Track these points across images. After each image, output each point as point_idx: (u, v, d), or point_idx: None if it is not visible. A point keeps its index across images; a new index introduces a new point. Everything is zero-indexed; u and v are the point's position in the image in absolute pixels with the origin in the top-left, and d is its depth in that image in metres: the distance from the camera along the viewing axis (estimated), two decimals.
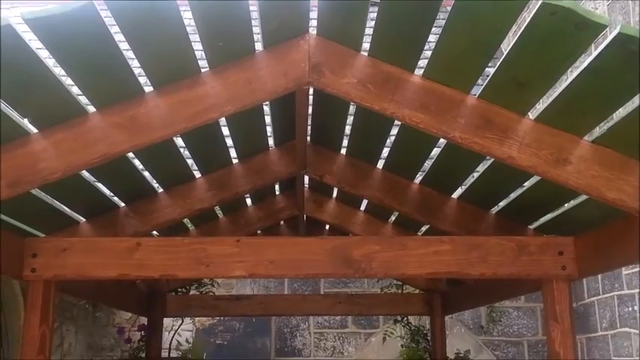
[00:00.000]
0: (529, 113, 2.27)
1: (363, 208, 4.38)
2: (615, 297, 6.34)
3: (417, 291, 5.41)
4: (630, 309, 6.10)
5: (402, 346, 5.29)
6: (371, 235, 4.22)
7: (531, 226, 3.26)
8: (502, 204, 3.29)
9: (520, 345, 7.45)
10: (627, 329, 6.13)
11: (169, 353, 5.21)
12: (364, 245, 2.72)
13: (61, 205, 3.03)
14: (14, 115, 2.16)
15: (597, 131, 2.22)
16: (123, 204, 3.32)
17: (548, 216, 3.12)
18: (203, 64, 2.28)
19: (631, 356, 6.04)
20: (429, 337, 5.23)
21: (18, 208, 2.72)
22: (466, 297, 4.80)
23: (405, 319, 5.40)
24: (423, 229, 4.22)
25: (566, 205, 2.95)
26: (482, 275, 2.70)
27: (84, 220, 3.22)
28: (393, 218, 4.35)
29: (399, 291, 5.39)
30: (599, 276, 6.48)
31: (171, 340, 5.17)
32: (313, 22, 2.25)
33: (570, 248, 2.67)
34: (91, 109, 2.28)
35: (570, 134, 2.19)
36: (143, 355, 5.05)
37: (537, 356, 7.37)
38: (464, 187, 3.36)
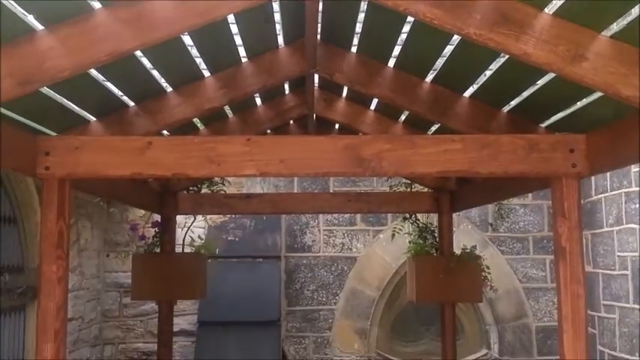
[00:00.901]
0: (546, 9, 2.20)
1: (373, 107, 4.35)
2: (623, 194, 6.39)
3: (426, 189, 5.47)
4: (637, 206, 6.16)
5: (409, 242, 5.40)
6: (381, 134, 4.22)
7: (543, 125, 3.24)
8: (514, 102, 3.26)
9: (525, 241, 7.60)
10: (633, 225, 6.22)
11: (183, 249, 5.35)
12: (375, 144, 2.72)
13: (71, 104, 3.02)
14: (18, 10, 2.12)
15: (615, 27, 2.17)
16: (132, 103, 3.31)
17: (560, 114, 3.10)
18: None
19: (635, 251, 6.16)
20: (436, 234, 5.33)
21: (28, 106, 2.72)
22: (474, 195, 4.85)
23: (413, 216, 5.49)
24: (434, 128, 4.20)
25: (578, 103, 2.92)
26: (493, 173, 2.71)
27: (94, 119, 3.23)
28: (403, 117, 4.33)
29: (408, 189, 5.44)
30: (608, 173, 6.50)
31: (185, 236, 5.29)
32: None
33: (581, 146, 2.66)
34: (97, 4, 2.23)
35: (588, 30, 2.14)
36: (158, 250, 5.19)
37: (542, 251, 7.54)
38: (476, 86, 3.32)
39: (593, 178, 6.86)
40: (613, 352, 6.63)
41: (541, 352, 7.45)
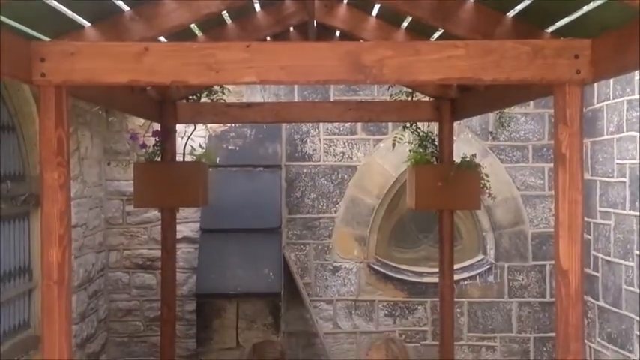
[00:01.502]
0: None
1: (374, 13, 4.25)
2: (625, 102, 6.35)
3: (427, 98, 5.42)
4: (638, 113, 6.14)
5: (410, 151, 5.41)
6: (383, 41, 4.14)
7: (548, 30, 3.18)
8: (519, 7, 3.17)
9: (525, 149, 7.62)
10: (633, 133, 6.22)
11: (184, 158, 5.36)
12: (376, 50, 2.67)
13: (65, 9, 2.95)
14: None
15: None
16: (127, 8, 3.22)
17: (566, 19, 3.03)
18: None
19: (634, 159, 6.19)
20: (436, 143, 5.33)
21: (20, 11, 2.65)
22: (475, 103, 4.82)
23: (414, 125, 5.47)
24: (437, 35, 4.12)
25: (585, 7, 2.85)
26: (496, 80, 2.68)
27: (89, 24, 3.15)
28: (405, 24, 4.23)
29: (409, 98, 5.40)
30: (611, 81, 6.44)
31: (185, 145, 5.30)
32: None
33: (586, 52, 2.61)
34: None
35: None
36: (158, 159, 5.21)
37: (541, 160, 7.57)
38: None
39: (595, 85, 6.80)
40: (607, 257, 6.79)
41: (536, 257, 7.62)
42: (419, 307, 7.64)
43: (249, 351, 4.07)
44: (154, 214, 7.17)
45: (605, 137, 6.76)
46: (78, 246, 6.38)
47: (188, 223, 7.41)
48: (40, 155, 2.64)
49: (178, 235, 5.79)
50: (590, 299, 7.02)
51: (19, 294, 5.65)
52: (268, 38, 4.59)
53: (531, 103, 7.33)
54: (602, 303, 6.91)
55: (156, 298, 7.13)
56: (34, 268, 5.82)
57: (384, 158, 7.55)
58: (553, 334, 7.23)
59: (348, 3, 4.20)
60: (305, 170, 7.68)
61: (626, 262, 6.41)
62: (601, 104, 6.81)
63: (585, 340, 6.93)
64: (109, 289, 7.52)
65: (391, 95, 5.48)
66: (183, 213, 7.02)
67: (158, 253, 5.97)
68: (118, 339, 7.55)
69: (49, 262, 2.63)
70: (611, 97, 6.61)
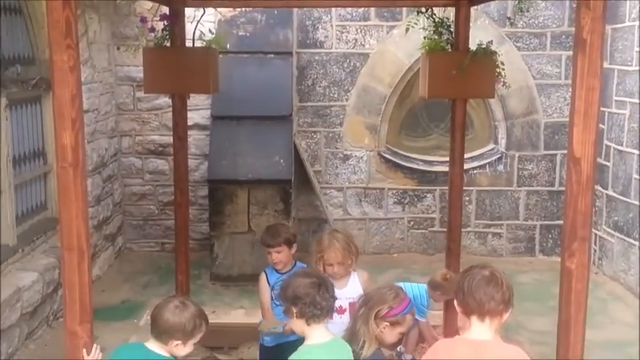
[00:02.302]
0: None
1: None
2: None
3: None
4: None
5: (424, 38, 5.26)
6: None
7: None
8: None
9: (543, 36, 7.42)
10: None
11: (193, 43, 5.26)
12: None
13: None
14: None
15: None
16: None
17: None
18: None
19: None
20: (452, 29, 5.18)
21: None
22: None
23: (429, 10, 5.29)
24: None
25: None
26: None
27: None
28: None
29: None
30: None
31: (194, 30, 5.17)
32: None
33: None
34: None
35: None
36: (167, 44, 5.11)
37: (559, 47, 7.39)
38: None
39: None
40: (619, 147, 6.77)
41: (547, 146, 7.60)
42: (428, 195, 7.73)
43: (262, 233, 4.15)
44: (165, 100, 7.15)
45: (627, 24, 6.55)
46: (90, 131, 6.42)
47: (199, 110, 7.40)
48: (49, 37, 2.59)
49: (189, 122, 5.76)
50: (600, 188, 7.06)
51: (34, 177, 5.76)
52: None
53: None
54: (610, 192, 6.96)
55: (169, 183, 7.26)
56: (49, 151, 5.90)
57: (397, 45, 7.39)
58: (559, 222, 7.37)
59: None
60: (316, 57, 7.55)
61: (639, 152, 6.39)
62: None
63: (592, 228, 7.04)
64: (122, 174, 7.63)
65: None
66: (194, 100, 6.99)
67: (170, 139, 5.99)
68: (133, 222, 7.76)
69: (62, 145, 2.64)
70: None
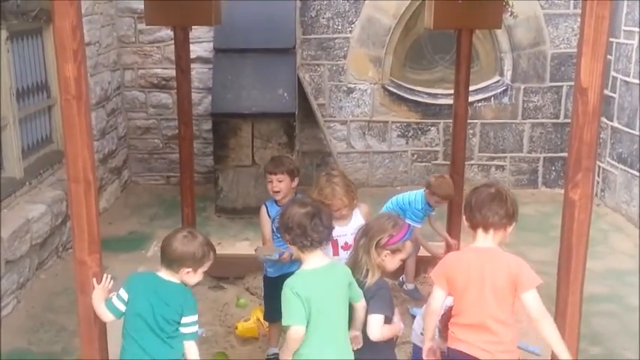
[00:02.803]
0: None
1: None
2: None
3: None
4: None
5: None
6: None
7: None
8: None
9: None
10: None
11: None
12: None
13: None
14: None
15: None
16: None
17: None
18: None
19: None
20: None
21: None
22: None
23: None
24: None
25: None
26: None
27: None
28: None
29: None
30: None
31: None
32: None
33: None
34: None
35: None
36: None
37: None
38: None
39: None
40: (626, 78, 6.70)
41: (553, 78, 7.52)
42: (432, 129, 7.71)
43: (265, 165, 4.17)
44: (167, 32, 7.05)
45: None
46: (92, 64, 6.37)
47: (201, 42, 7.30)
48: None
49: (192, 55, 5.70)
50: (605, 120, 7.03)
51: (38, 110, 5.76)
52: None
53: None
54: (615, 124, 6.93)
55: (172, 117, 7.24)
56: (52, 85, 5.87)
57: None
58: (563, 155, 7.39)
59: None
60: None
61: None
62: None
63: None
64: (126, 108, 7.61)
65: None
66: (196, 32, 6.89)
67: (173, 72, 5.95)
68: (138, 155, 7.79)
69: (65, 78, 2.63)
70: None
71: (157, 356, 2.79)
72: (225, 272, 5.41)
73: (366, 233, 3.07)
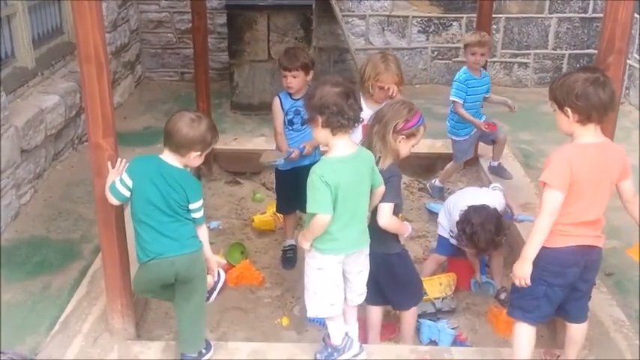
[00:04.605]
0: None
1: None
2: None
3: None
4: None
5: None
6: None
7: None
8: None
9: None
10: None
11: None
12: None
13: None
14: None
15: None
16: None
17: None
18: None
19: None
20: None
21: None
22: None
23: None
24: None
25: None
26: None
27: None
28: None
29: None
30: None
31: None
32: None
33: None
34: None
35: None
36: None
37: None
38: None
39: None
40: None
41: None
42: (454, 24, 7.44)
43: (279, 55, 4.04)
44: None
45: None
46: None
47: None
48: None
49: None
50: (636, 15, 6.72)
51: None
52: None
53: None
54: None
55: (186, 10, 7.03)
56: None
57: None
58: (589, 51, 7.14)
59: None
60: None
61: None
62: None
63: None
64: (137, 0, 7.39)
65: None
66: None
67: None
68: (151, 50, 7.62)
69: None
70: None
71: (177, 235, 2.79)
72: (241, 167, 5.41)
73: (380, 119, 3.02)
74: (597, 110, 2.52)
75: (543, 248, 2.65)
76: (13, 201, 4.34)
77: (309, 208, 2.70)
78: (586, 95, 2.50)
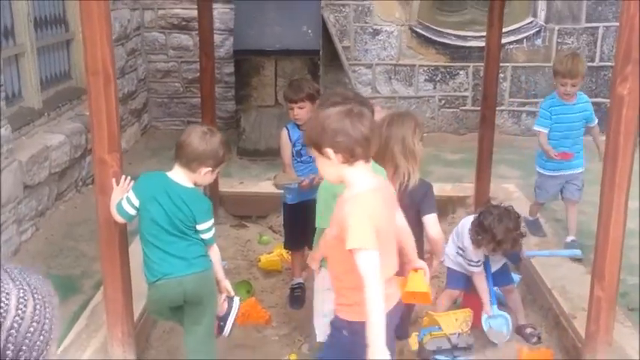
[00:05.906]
0: None
1: None
2: None
3: None
4: None
5: None
6: None
7: None
8: None
9: None
10: None
11: None
12: None
13: None
14: None
15: None
16: None
17: None
18: None
19: None
20: None
21: None
22: None
23: None
24: None
25: None
26: None
27: None
28: None
29: None
30: None
31: None
32: None
33: None
34: None
35: None
36: None
37: None
38: None
39: None
40: None
41: (589, 18, 7.18)
42: (460, 72, 7.46)
43: (285, 88, 4.03)
44: None
45: None
46: None
47: None
48: None
49: None
50: None
51: (56, 43, 5.62)
52: None
53: None
54: None
55: (194, 59, 7.07)
56: (70, 19, 5.74)
57: None
58: (598, 100, 7.09)
59: None
60: None
61: None
62: None
63: None
64: (146, 50, 7.45)
65: None
66: None
67: (193, 13, 5.78)
68: (158, 99, 7.64)
69: None
70: None
71: (185, 254, 2.67)
72: (247, 211, 5.31)
73: (391, 137, 2.96)
74: (360, 144, 2.13)
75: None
76: (13, 236, 4.22)
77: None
78: (344, 130, 2.11)
